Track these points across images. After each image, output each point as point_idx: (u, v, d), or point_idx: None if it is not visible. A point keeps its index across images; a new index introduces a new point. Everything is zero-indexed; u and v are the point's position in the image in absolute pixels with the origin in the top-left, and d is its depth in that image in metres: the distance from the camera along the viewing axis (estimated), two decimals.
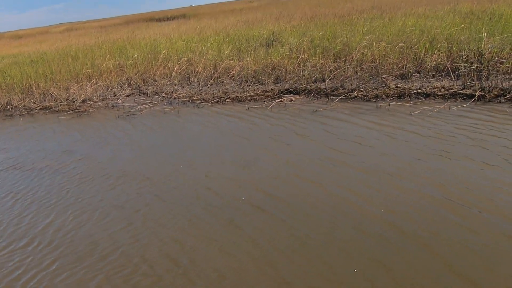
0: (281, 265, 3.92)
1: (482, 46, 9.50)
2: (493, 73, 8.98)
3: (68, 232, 4.99)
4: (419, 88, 8.96)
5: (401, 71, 9.76)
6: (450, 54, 9.74)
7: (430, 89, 8.81)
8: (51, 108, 11.89)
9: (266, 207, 4.96)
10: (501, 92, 8.11)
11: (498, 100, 7.92)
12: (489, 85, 8.38)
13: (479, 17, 12.99)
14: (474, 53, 9.56)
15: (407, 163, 5.68)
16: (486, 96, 8.12)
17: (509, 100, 7.84)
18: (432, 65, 9.67)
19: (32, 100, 12.56)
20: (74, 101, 11.98)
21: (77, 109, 11.45)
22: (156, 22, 43.58)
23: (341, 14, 18.60)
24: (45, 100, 12.48)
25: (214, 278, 3.85)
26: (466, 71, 9.03)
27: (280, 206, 4.95)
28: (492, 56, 9.25)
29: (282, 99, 9.86)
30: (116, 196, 5.81)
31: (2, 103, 12.71)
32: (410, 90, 8.91)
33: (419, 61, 9.89)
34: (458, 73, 9.22)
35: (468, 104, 7.90)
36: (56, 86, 13.09)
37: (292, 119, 8.35)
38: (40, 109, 12.04)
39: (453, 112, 7.56)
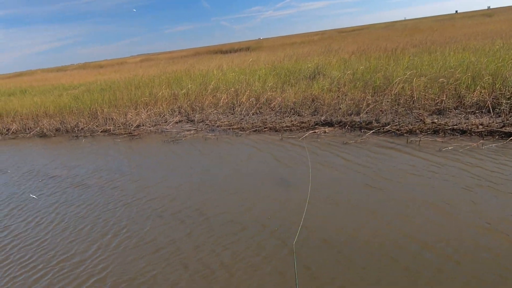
0: None
1: None
2: None
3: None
4: (456, 125, 8.76)
5: (439, 107, 9.59)
6: (493, 90, 9.41)
7: (466, 125, 8.58)
8: (110, 131, 13.25)
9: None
10: None
11: None
12: None
13: None
14: None
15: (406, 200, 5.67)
16: None
17: None
18: (473, 101, 9.41)
19: (96, 124, 14.10)
20: (129, 126, 13.25)
21: (131, 133, 12.63)
22: (220, 54, 45.95)
23: (393, 48, 18.55)
24: (106, 124, 13.94)
25: None
26: (507, 108, 8.68)
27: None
28: None
29: (316, 131, 10.13)
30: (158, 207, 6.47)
31: (72, 125, 14.41)
32: (445, 126, 8.74)
33: (459, 97, 9.66)
34: (498, 110, 8.87)
35: (505, 142, 7.59)
36: (117, 111, 14.55)
37: (318, 150, 8.58)
38: (101, 131, 13.47)
39: (484, 150, 7.31)
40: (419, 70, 11.57)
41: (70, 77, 33.93)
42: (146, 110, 14.31)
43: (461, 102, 9.56)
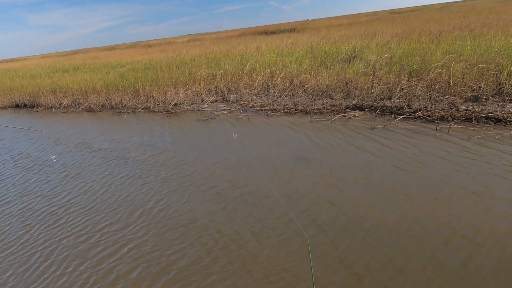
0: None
1: None
2: None
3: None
4: (490, 113, 8.45)
5: (475, 93, 9.25)
6: None
7: (502, 114, 8.25)
8: (150, 108, 13.99)
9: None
10: None
11: None
12: None
13: None
14: None
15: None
16: None
17: None
18: None
19: (138, 101, 14.90)
20: (168, 104, 13.90)
21: (169, 111, 13.27)
22: (264, 36, 45.65)
23: (438, 31, 17.70)
24: (147, 101, 14.69)
25: None
26: None
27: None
28: None
29: (346, 114, 10.15)
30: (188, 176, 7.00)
31: (116, 101, 15.32)
32: (479, 114, 8.46)
33: (498, 84, 9.23)
34: None
35: None
36: (158, 90, 15.25)
37: (343, 133, 8.66)
38: (142, 108, 14.25)
39: None
40: (459, 55, 11.09)
41: (119, 56, 35.46)
42: (184, 90, 14.88)
43: (500, 89, 9.14)
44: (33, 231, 5.99)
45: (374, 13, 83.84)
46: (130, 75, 18.33)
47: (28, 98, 18.62)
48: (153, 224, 5.68)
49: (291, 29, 52.35)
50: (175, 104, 13.83)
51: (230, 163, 7.80)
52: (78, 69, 26.87)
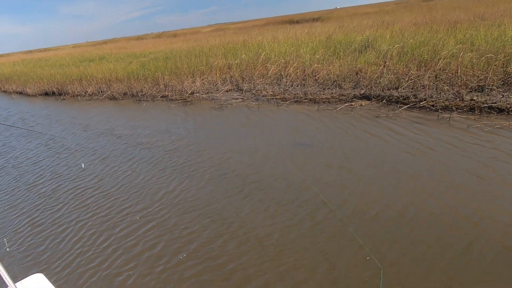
0: None
1: None
2: None
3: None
4: (494, 103, 8.51)
5: (481, 84, 9.28)
6: None
7: (505, 104, 8.31)
8: (168, 96, 14.63)
9: None
10: None
11: None
12: None
13: None
14: None
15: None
16: None
17: None
18: None
19: (157, 90, 15.56)
20: (185, 92, 14.48)
21: (185, 99, 13.85)
22: (288, 25, 45.39)
23: (457, 20, 17.38)
24: (165, 90, 15.33)
25: None
26: None
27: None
28: None
29: (353, 103, 10.39)
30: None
31: (137, 90, 16.05)
32: (482, 104, 8.54)
33: (506, 74, 9.22)
34: None
35: None
36: (176, 79, 15.84)
37: (345, 122, 8.97)
38: (160, 97, 14.90)
39: None
40: (468, 44, 11.04)
41: (144, 46, 36.36)
42: (201, 79, 15.40)
43: (506, 80, 9.14)
44: (64, 208, 6.66)
45: (405, 1, 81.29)
46: (151, 64, 19.01)
47: (56, 86, 19.71)
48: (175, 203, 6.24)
49: (316, 18, 51.74)
50: (192, 93, 14.39)
51: (234, 147, 8.29)
52: (103, 58, 27.91)
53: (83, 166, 8.62)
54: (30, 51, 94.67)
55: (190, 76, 15.91)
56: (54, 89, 19.72)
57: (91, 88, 17.63)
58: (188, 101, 13.66)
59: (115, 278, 4.57)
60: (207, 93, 14.27)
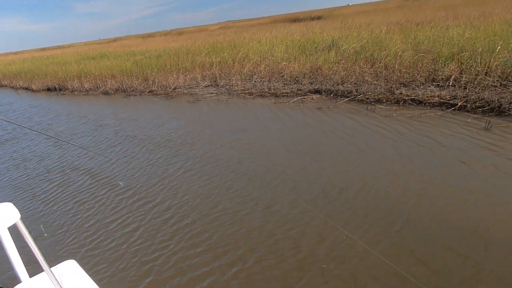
0: None
1: (492, 58, 9.72)
2: (487, 86, 9.32)
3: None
4: (418, 96, 9.90)
5: (412, 79, 10.67)
6: (461, 64, 10.20)
7: (424, 97, 9.70)
8: (154, 92, 16.25)
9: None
10: (483, 104, 8.63)
11: (477, 111, 8.52)
12: (477, 97, 8.91)
13: None
14: (482, 64, 9.86)
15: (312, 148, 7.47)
16: (467, 106, 8.77)
17: (485, 112, 8.39)
18: (445, 75, 10.31)
19: (145, 85, 17.19)
20: (168, 88, 16.08)
21: (168, 94, 15.44)
22: (291, 23, 46.39)
23: (428, 20, 18.64)
24: (153, 86, 16.95)
25: None
26: (471, 82, 9.54)
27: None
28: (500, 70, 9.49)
29: (305, 97, 11.85)
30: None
31: (128, 86, 17.70)
32: (406, 97, 9.94)
33: (433, 71, 10.59)
34: (460, 84, 9.76)
35: (447, 112, 8.74)
36: (163, 76, 17.44)
37: (290, 111, 10.47)
38: (147, 92, 16.52)
39: (420, 118, 8.58)
40: (414, 44, 12.39)
41: (147, 44, 38.05)
42: (184, 75, 16.98)
43: (431, 76, 10.50)
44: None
45: None
46: (143, 62, 20.67)
47: (57, 82, 21.52)
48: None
49: (318, 16, 52.68)
50: (174, 88, 15.99)
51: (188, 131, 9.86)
52: (104, 56, 29.69)
53: (122, 185, 8.77)
54: (43, 49, 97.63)
55: (175, 73, 17.50)
56: (56, 85, 21.53)
57: (88, 84, 19.38)
58: (170, 95, 15.25)
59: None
60: (188, 88, 15.84)
